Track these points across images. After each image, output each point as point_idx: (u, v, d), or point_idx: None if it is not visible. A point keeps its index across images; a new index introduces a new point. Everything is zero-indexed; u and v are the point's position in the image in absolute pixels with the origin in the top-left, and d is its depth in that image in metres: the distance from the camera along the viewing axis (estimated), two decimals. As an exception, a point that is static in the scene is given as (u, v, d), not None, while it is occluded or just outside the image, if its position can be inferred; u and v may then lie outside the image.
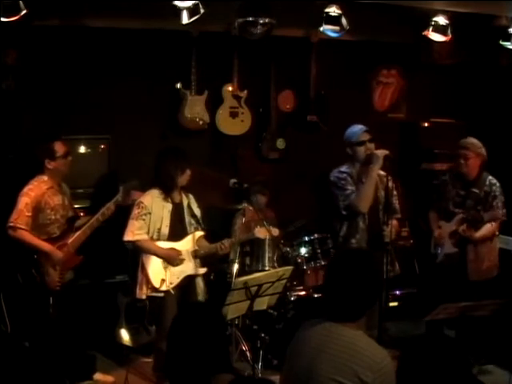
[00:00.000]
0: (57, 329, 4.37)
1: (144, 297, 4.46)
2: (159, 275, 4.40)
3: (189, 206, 4.60)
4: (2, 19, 4.35)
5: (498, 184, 4.78)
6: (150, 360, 4.79)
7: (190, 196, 4.66)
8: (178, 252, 4.44)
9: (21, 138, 5.08)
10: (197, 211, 4.64)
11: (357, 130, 4.53)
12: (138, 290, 4.46)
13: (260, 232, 4.65)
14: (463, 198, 4.81)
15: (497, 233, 4.87)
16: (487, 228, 4.72)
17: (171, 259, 4.41)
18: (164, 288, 4.38)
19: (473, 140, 4.79)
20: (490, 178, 4.80)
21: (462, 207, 4.79)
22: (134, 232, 4.39)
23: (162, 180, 4.47)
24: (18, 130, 5.16)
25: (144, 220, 4.40)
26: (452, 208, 4.84)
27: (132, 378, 4.58)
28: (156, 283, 4.39)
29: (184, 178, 4.49)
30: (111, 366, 4.91)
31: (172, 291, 4.40)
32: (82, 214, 4.73)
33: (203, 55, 5.59)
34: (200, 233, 4.59)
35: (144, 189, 4.60)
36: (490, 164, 5.06)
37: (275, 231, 4.72)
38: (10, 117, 5.16)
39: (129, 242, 4.44)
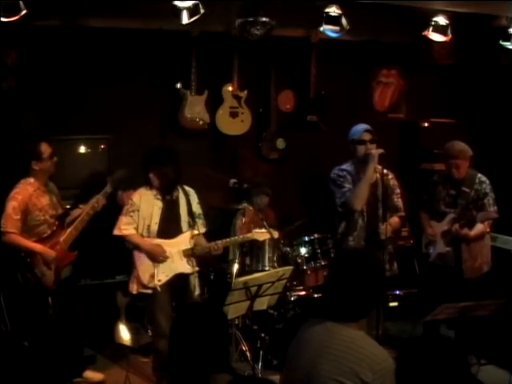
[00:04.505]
0: (55, 328, 4.37)
1: (135, 292, 4.48)
2: (148, 271, 4.43)
3: (187, 202, 4.58)
4: (2, 19, 4.36)
5: (487, 181, 4.80)
6: (149, 360, 4.79)
7: (191, 192, 4.63)
8: (163, 249, 4.43)
9: (21, 138, 5.07)
10: (196, 208, 4.61)
11: (359, 128, 4.56)
12: (130, 285, 4.52)
13: (258, 234, 4.64)
14: (454, 198, 4.83)
15: (488, 230, 4.88)
16: (480, 226, 4.74)
17: (154, 255, 4.42)
18: (152, 285, 4.40)
19: (460, 146, 4.77)
20: (480, 175, 4.81)
21: (454, 207, 4.81)
22: (121, 227, 4.46)
23: (145, 179, 4.52)
24: (18, 130, 5.16)
25: (132, 216, 4.45)
26: (443, 208, 4.86)
27: (132, 378, 4.57)
28: (144, 279, 4.41)
29: (153, 179, 4.47)
30: (111, 365, 4.91)
31: (159, 288, 4.39)
32: (68, 207, 4.68)
33: (203, 55, 5.59)
34: (194, 231, 4.56)
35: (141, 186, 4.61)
36: (489, 164, 5.06)
37: (275, 233, 4.72)
38: (10, 117, 5.17)
39: (117, 236, 4.49)
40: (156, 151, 4.56)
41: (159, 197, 4.49)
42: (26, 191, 4.27)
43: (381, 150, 4.42)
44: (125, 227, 4.46)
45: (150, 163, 4.48)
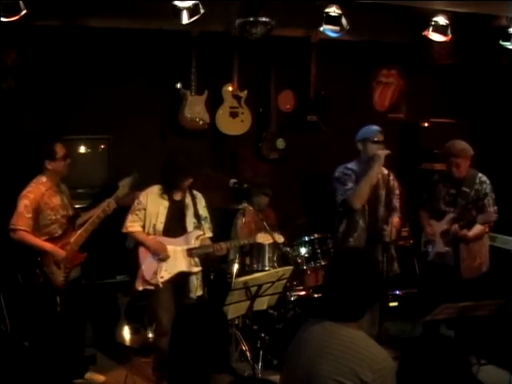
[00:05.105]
0: (62, 327, 4.38)
1: (140, 289, 4.52)
2: (151, 268, 4.49)
3: (194, 205, 4.62)
4: (2, 19, 4.36)
5: (488, 182, 4.80)
6: (149, 360, 4.80)
7: (198, 196, 4.70)
8: (165, 248, 4.49)
9: (21, 138, 5.08)
10: (203, 211, 4.68)
11: (374, 129, 4.58)
12: (135, 283, 4.56)
13: (262, 238, 4.67)
14: (454, 197, 4.83)
15: (487, 230, 4.88)
16: (479, 227, 4.74)
17: (156, 251, 4.49)
18: (154, 281, 4.45)
19: (461, 145, 4.77)
20: (480, 175, 4.81)
21: (453, 206, 4.81)
22: (127, 225, 4.56)
23: (166, 180, 4.55)
24: (18, 130, 5.16)
25: (137, 215, 4.54)
26: (443, 207, 4.86)
27: (132, 378, 4.59)
28: (148, 276, 4.48)
29: (185, 183, 4.56)
30: (111, 365, 4.92)
31: (161, 285, 4.44)
32: (78, 206, 4.74)
33: (203, 55, 5.59)
34: (198, 232, 4.59)
35: (142, 187, 4.61)
36: (490, 164, 5.05)
37: (279, 238, 4.72)
38: (10, 117, 5.17)
39: (124, 233, 4.58)
40: (184, 155, 4.60)
41: (165, 196, 4.55)
42: (39, 190, 4.30)
43: (387, 151, 4.43)
44: (130, 224, 4.55)
45: (195, 167, 4.55)
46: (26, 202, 4.23)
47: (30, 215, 4.23)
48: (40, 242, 4.27)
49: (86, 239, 4.42)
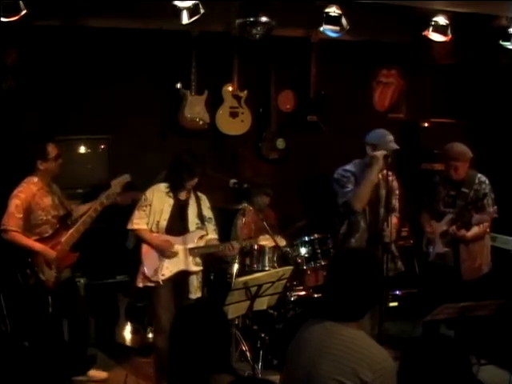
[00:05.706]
0: (54, 328, 4.38)
1: (141, 285, 4.52)
2: (153, 266, 4.48)
3: (198, 206, 4.62)
4: (2, 19, 4.36)
5: (487, 182, 4.80)
6: (149, 360, 4.79)
7: (203, 197, 4.70)
8: (171, 245, 4.49)
9: (21, 138, 5.08)
10: (207, 212, 4.67)
11: (393, 144, 4.47)
12: (136, 280, 4.56)
13: (264, 240, 4.68)
14: (453, 198, 4.83)
15: (488, 230, 4.88)
16: (478, 227, 4.74)
17: (163, 249, 4.48)
18: (155, 279, 4.44)
19: (459, 148, 4.76)
20: (479, 176, 4.81)
21: (453, 207, 4.81)
22: (134, 221, 4.54)
23: (171, 179, 4.56)
24: (18, 130, 5.16)
25: (144, 211, 4.53)
26: (443, 208, 4.86)
27: (132, 378, 4.59)
28: (149, 273, 4.47)
29: (190, 183, 4.56)
30: (111, 365, 4.92)
31: (161, 282, 4.44)
32: (72, 207, 4.68)
33: (203, 55, 5.60)
34: (201, 232, 4.59)
35: (142, 187, 4.62)
36: (489, 164, 5.04)
37: (281, 241, 4.72)
38: (10, 117, 5.17)
39: (127, 231, 4.58)
40: (190, 155, 4.60)
41: (171, 195, 4.56)
42: (30, 190, 4.29)
43: (384, 152, 4.42)
44: (137, 221, 4.53)
45: (200, 168, 4.54)
46: (16, 202, 4.22)
47: (20, 215, 4.22)
48: (31, 243, 4.26)
49: (77, 239, 4.40)
